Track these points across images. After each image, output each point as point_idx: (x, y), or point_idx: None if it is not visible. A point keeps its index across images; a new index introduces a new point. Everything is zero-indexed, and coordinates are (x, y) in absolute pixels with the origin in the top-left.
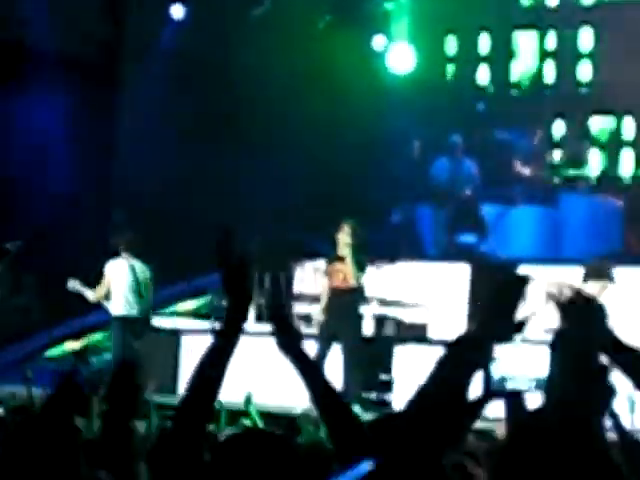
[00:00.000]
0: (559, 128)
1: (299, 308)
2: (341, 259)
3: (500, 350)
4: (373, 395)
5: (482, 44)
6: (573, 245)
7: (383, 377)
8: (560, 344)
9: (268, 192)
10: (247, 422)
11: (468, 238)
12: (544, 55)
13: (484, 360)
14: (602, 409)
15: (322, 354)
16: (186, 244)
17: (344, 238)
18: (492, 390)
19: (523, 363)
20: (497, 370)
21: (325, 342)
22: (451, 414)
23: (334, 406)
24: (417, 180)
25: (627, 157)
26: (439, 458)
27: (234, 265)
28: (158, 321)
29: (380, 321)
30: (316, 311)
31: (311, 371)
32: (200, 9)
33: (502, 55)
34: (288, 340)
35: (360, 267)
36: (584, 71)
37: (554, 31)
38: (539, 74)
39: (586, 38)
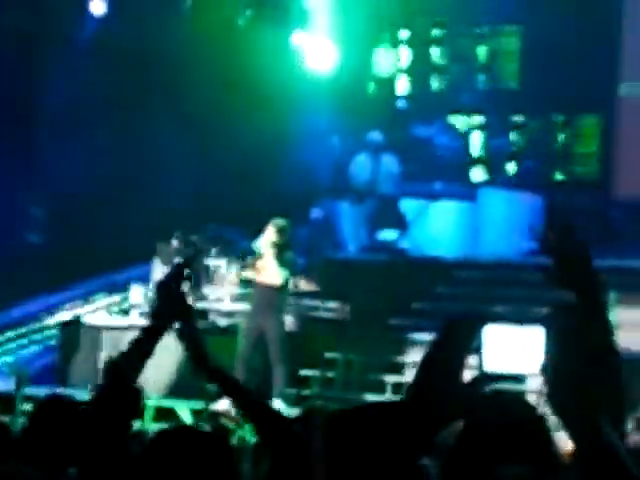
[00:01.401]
0: (479, 123)
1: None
2: (267, 256)
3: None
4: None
5: (402, 42)
6: (493, 241)
7: (306, 372)
8: (562, 321)
9: (188, 186)
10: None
11: (389, 234)
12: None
13: (474, 343)
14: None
15: (247, 347)
16: (106, 239)
17: (270, 236)
18: (487, 374)
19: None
20: (492, 353)
21: (250, 336)
22: (447, 398)
23: (254, 408)
24: (337, 176)
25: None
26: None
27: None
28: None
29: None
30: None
31: (226, 383)
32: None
33: (422, 52)
34: (197, 357)
35: (285, 265)
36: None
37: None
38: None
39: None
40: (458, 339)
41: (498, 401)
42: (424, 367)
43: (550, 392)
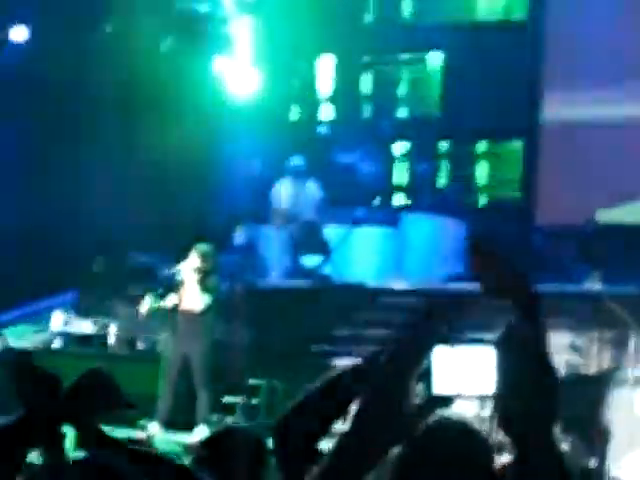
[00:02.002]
0: (401, 150)
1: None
2: (190, 282)
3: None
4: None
5: (325, 68)
6: (417, 266)
7: (230, 399)
8: (511, 341)
9: (108, 211)
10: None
11: (311, 260)
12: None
13: (421, 365)
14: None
15: (172, 374)
16: (29, 267)
17: (194, 262)
18: (436, 397)
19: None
20: (441, 375)
21: (174, 362)
22: (392, 425)
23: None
24: (260, 201)
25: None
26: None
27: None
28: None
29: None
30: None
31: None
32: (42, 29)
33: (346, 79)
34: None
35: (209, 291)
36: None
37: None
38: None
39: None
40: (405, 362)
41: (440, 429)
42: (366, 395)
43: (501, 411)
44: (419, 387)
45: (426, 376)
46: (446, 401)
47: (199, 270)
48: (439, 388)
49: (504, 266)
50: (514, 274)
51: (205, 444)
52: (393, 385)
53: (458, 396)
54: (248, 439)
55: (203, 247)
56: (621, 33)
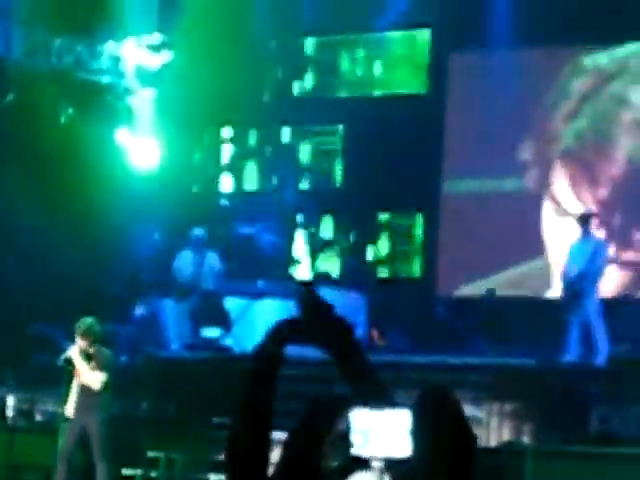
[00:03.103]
0: (302, 221)
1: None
2: (78, 363)
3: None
4: None
5: (227, 141)
6: None
7: (128, 472)
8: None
9: (13, 284)
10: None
11: (212, 332)
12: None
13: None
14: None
15: (69, 446)
16: None
17: (79, 339)
18: (354, 457)
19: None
20: (359, 437)
21: (72, 434)
22: None
23: None
24: (160, 273)
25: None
26: None
27: None
28: None
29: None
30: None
31: None
32: None
33: (247, 151)
34: None
35: (102, 368)
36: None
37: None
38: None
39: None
40: (319, 426)
41: None
42: (282, 459)
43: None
44: (337, 449)
45: (345, 438)
46: (364, 462)
47: (82, 350)
48: (357, 450)
49: (328, 312)
50: (336, 319)
51: None
52: (308, 449)
53: (376, 457)
54: None
55: (86, 324)
56: (517, 109)
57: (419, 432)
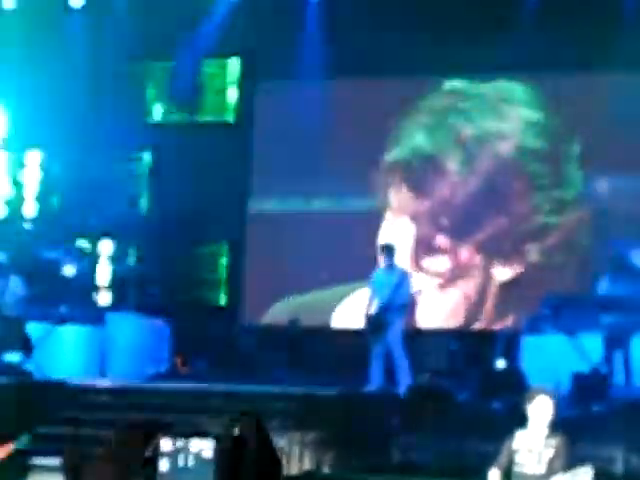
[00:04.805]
0: (106, 247)
1: None
2: None
3: None
4: None
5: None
6: (120, 364)
7: None
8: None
9: None
10: None
11: (14, 357)
12: None
13: None
14: None
15: None
16: None
17: None
18: None
19: None
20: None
21: None
22: None
23: None
24: None
25: None
26: None
27: None
28: None
29: None
30: None
31: None
32: None
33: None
34: None
35: None
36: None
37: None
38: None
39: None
40: (127, 448)
41: None
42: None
43: None
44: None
45: (153, 463)
46: None
47: None
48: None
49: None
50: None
51: None
52: (123, 464)
53: None
54: None
55: None
56: (330, 134)
57: (223, 459)
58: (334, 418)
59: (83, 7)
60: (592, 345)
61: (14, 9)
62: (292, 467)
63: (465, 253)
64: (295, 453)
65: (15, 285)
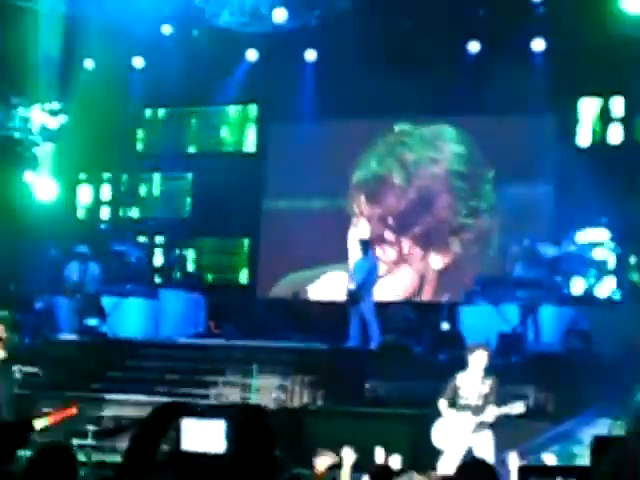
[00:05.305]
0: (159, 242)
1: None
2: None
3: None
4: None
5: (105, 180)
6: (169, 326)
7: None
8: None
9: None
10: None
11: (92, 321)
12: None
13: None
14: None
15: None
16: None
17: None
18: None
19: None
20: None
21: None
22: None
23: None
24: (55, 277)
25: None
26: None
27: None
28: None
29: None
30: None
31: None
32: None
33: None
34: None
35: (4, 348)
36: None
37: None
38: None
39: None
40: (160, 421)
41: None
42: (131, 445)
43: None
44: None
45: (177, 438)
46: (193, 456)
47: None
48: (185, 445)
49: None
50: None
51: None
52: (144, 445)
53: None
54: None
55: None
56: (323, 159)
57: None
58: (324, 365)
59: (143, 68)
60: (511, 313)
61: (93, 68)
62: (294, 401)
63: (406, 245)
64: (296, 391)
65: (93, 269)
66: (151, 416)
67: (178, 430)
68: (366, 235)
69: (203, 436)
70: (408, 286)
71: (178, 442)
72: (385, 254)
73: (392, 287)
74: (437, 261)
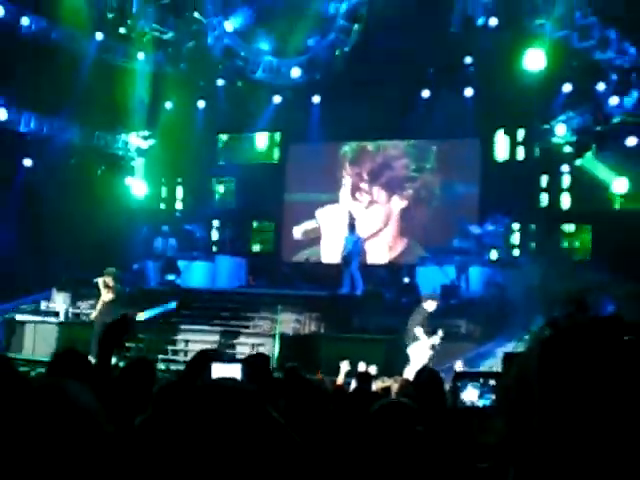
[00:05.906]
0: (216, 225)
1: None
2: (103, 288)
3: None
4: None
5: (178, 182)
6: (222, 280)
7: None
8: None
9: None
10: None
11: (171, 277)
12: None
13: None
14: None
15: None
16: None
17: (105, 279)
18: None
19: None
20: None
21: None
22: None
23: None
24: (146, 248)
25: None
26: None
27: None
28: None
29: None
30: None
31: None
32: None
33: (191, 188)
34: None
35: (112, 292)
36: (230, 197)
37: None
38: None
39: None
40: (199, 365)
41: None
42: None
43: None
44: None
45: (209, 375)
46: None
47: (105, 283)
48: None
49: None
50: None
51: None
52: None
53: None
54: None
55: (110, 270)
56: (326, 167)
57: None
58: (325, 306)
59: (204, 108)
60: (450, 271)
61: (171, 108)
62: (306, 329)
63: (376, 191)
64: (307, 323)
65: (172, 243)
66: (193, 358)
67: (209, 370)
68: (351, 220)
69: (226, 374)
70: (379, 221)
71: (210, 378)
72: (362, 198)
73: (374, 247)
74: (397, 203)
